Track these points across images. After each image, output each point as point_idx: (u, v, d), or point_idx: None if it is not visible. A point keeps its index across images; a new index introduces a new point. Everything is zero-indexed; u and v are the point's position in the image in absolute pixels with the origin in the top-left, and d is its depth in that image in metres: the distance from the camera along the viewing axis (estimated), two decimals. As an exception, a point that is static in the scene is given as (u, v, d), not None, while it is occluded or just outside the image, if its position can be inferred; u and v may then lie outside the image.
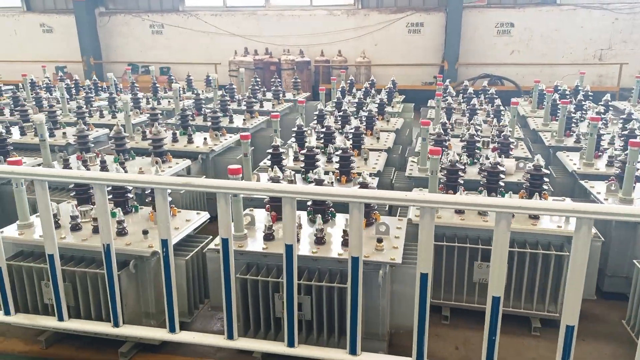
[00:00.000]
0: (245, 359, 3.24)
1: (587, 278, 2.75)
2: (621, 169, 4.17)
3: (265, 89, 8.76)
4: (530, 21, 12.84)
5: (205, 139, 5.52)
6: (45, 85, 8.92)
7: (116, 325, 3.05)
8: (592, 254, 2.88)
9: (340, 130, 5.97)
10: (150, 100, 8.14)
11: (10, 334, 3.54)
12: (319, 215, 3.28)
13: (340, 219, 3.52)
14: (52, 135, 5.61)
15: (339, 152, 4.31)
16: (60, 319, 3.09)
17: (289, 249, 2.70)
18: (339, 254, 3.01)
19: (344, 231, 3.10)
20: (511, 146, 5.00)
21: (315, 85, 13.45)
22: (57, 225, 3.26)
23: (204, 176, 5.04)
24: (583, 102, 7.08)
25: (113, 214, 3.20)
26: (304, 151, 4.42)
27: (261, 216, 3.54)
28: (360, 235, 2.61)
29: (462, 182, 3.90)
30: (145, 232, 3.22)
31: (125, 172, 4.24)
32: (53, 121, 5.99)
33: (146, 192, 3.76)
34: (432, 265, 2.66)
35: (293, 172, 4.16)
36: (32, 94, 8.18)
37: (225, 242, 2.76)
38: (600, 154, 5.00)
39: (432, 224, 2.52)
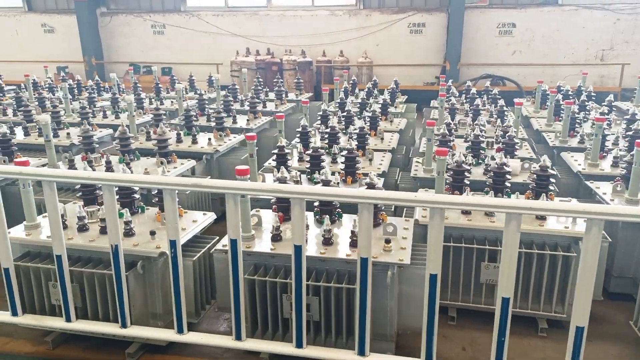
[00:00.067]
0: (252, 360, 3.25)
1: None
2: (627, 169, 4.17)
3: (267, 89, 8.76)
4: (532, 21, 12.84)
5: (209, 139, 5.51)
6: (47, 85, 8.90)
7: (124, 326, 3.04)
8: (600, 254, 2.87)
9: (344, 131, 5.97)
10: (153, 100, 8.15)
11: (17, 334, 3.54)
12: (327, 216, 3.27)
13: (347, 219, 3.52)
14: (56, 135, 5.61)
15: (345, 152, 4.30)
16: (68, 319, 3.09)
17: (298, 249, 2.70)
18: (347, 254, 3.01)
19: (352, 232, 3.10)
20: (516, 147, 5.00)
21: (317, 86, 13.45)
22: (64, 226, 3.26)
23: (209, 176, 5.04)
24: (586, 103, 7.09)
25: (120, 215, 3.19)
26: (309, 152, 4.41)
27: (268, 217, 3.54)
28: (369, 236, 2.61)
29: (468, 182, 3.89)
30: (152, 233, 3.22)
31: (131, 172, 4.24)
32: (57, 121, 5.98)
33: (153, 192, 3.75)
34: (441, 266, 2.66)
35: (298, 173, 4.17)
36: (34, 94, 8.19)
37: (234, 242, 2.76)
38: (604, 154, 5.00)
39: (441, 225, 2.52)
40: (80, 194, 3.66)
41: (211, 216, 3.68)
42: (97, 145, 5.05)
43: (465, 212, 3.61)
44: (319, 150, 4.35)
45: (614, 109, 7.10)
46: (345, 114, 6.29)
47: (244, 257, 3.06)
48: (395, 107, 7.66)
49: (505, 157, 4.25)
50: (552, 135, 5.89)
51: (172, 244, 2.85)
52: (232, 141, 5.70)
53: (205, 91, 8.69)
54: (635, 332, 3.40)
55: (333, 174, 3.95)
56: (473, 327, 3.62)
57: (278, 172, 3.98)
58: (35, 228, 3.35)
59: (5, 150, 4.84)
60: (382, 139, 5.78)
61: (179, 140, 5.51)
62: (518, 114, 5.89)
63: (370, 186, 3.38)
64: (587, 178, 4.53)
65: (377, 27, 13.48)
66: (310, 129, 5.32)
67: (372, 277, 2.70)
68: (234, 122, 6.62)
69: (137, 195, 3.66)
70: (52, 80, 9.20)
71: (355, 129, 5.34)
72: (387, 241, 3.03)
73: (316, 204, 3.50)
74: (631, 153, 4.21)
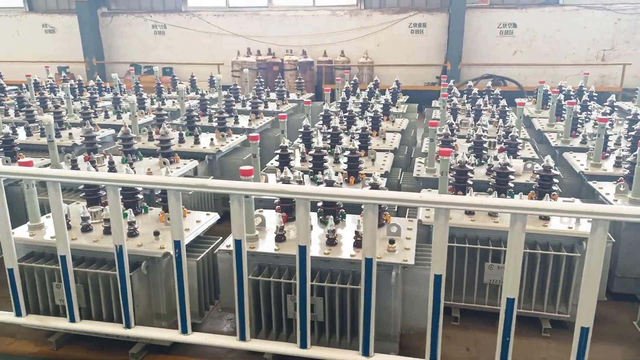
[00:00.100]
0: (255, 360, 3.25)
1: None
2: (630, 169, 4.17)
3: (269, 90, 8.76)
4: (533, 22, 12.84)
5: (211, 139, 5.51)
6: (49, 85, 8.90)
7: (128, 326, 3.05)
8: (604, 255, 2.88)
9: (346, 131, 5.97)
10: (154, 100, 8.15)
11: (20, 335, 3.54)
12: (331, 217, 3.27)
13: (350, 220, 3.52)
14: (58, 135, 5.60)
15: (348, 153, 4.30)
16: (72, 320, 3.09)
17: (303, 250, 2.71)
18: (351, 255, 3.01)
19: (356, 232, 3.10)
20: (518, 147, 5.01)
21: (318, 86, 13.46)
22: (68, 227, 3.25)
23: (212, 177, 5.04)
24: (588, 103, 7.09)
25: (124, 215, 3.19)
26: (311, 152, 4.41)
27: (271, 217, 3.54)
28: (374, 237, 2.61)
29: (471, 183, 3.89)
30: (156, 234, 3.22)
31: (134, 173, 4.24)
32: (59, 122, 5.98)
33: (156, 193, 3.75)
34: (445, 266, 2.65)
35: (301, 173, 4.17)
36: (36, 95, 8.19)
37: (238, 243, 2.76)
38: (607, 154, 5.00)
39: (446, 225, 2.52)
40: (84, 194, 3.66)
41: (214, 216, 3.69)
42: (100, 146, 5.05)
43: (469, 213, 3.61)
44: (322, 150, 4.35)
45: (616, 109, 7.10)
46: (347, 114, 6.28)
47: (248, 257, 3.05)
48: (397, 107, 7.66)
49: (508, 158, 4.26)
50: (554, 136, 5.89)
51: (177, 244, 2.85)
52: (235, 141, 5.70)
53: (206, 91, 8.69)
54: (639, 332, 3.40)
55: (336, 174, 3.95)
56: (476, 328, 3.63)
57: (281, 172, 3.98)
58: (39, 228, 3.35)
59: (8, 150, 4.85)
60: (384, 139, 5.78)
61: (181, 141, 5.50)
62: (520, 114, 5.89)
63: (374, 186, 3.38)
64: (590, 178, 4.53)
65: (378, 27, 13.48)
66: (312, 129, 5.32)
67: (376, 277, 2.70)
68: (236, 122, 6.62)
69: (140, 196, 3.67)
70: (53, 81, 9.19)
71: (357, 129, 5.33)
72: (391, 241, 3.03)
73: (320, 204, 3.50)
74: (634, 153, 4.21)
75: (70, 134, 5.74)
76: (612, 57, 12.69)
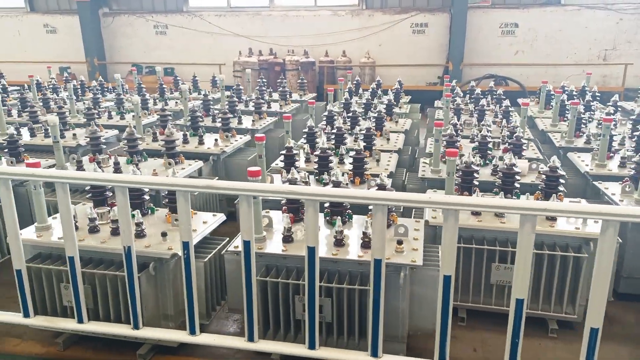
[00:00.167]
0: (263, 361, 3.25)
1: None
2: (635, 170, 4.18)
3: (271, 90, 8.75)
4: (535, 22, 12.85)
5: (216, 140, 5.51)
6: (51, 86, 8.90)
7: (136, 327, 3.05)
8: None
9: (350, 131, 5.97)
10: (157, 101, 8.15)
11: (27, 336, 3.54)
12: (339, 217, 3.27)
13: (357, 220, 3.52)
14: (62, 136, 5.60)
15: (353, 153, 4.30)
16: (80, 321, 3.09)
17: (311, 251, 2.71)
18: (359, 255, 3.01)
19: (364, 233, 3.09)
20: (523, 147, 5.01)
21: (319, 86, 13.46)
22: (75, 228, 3.25)
23: (217, 178, 5.03)
24: (591, 103, 7.09)
25: (132, 216, 3.19)
26: (317, 152, 4.41)
27: (278, 218, 3.54)
28: (383, 238, 2.62)
29: (477, 183, 3.89)
30: (164, 234, 3.22)
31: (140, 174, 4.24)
32: (62, 122, 5.97)
33: (163, 194, 3.75)
34: (454, 267, 2.65)
35: (306, 174, 4.17)
36: (38, 95, 8.18)
37: (247, 244, 2.76)
38: (611, 154, 5.00)
39: (455, 227, 2.52)
40: (90, 195, 3.65)
41: (221, 217, 3.68)
42: (105, 147, 5.05)
43: (476, 213, 3.61)
44: (327, 151, 4.35)
45: (619, 109, 7.10)
46: (351, 114, 6.28)
47: (256, 258, 3.06)
48: (400, 107, 7.66)
49: (513, 158, 4.26)
50: (558, 136, 5.89)
51: (185, 245, 2.85)
52: (239, 142, 5.70)
53: (208, 92, 8.70)
54: (646, 332, 3.41)
55: (342, 175, 3.95)
56: (483, 328, 3.63)
57: (288, 173, 3.98)
58: (46, 229, 3.35)
59: (13, 151, 4.84)
60: (388, 139, 5.78)
61: (185, 141, 5.50)
62: (524, 114, 5.90)
63: (381, 187, 3.38)
64: (595, 179, 4.53)
65: (380, 27, 13.49)
66: (316, 129, 5.32)
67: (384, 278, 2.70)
68: (240, 122, 6.62)
69: (147, 197, 3.66)
70: (55, 81, 9.19)
71: (361, 130, 5.33)
72: (399, 242, 3.03)
73: (327, 205, 3.50)
74: (639, 154, 4.21)
75: (74, 134, 5.74)
76: (613, 57, 12.70)
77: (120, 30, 15.05)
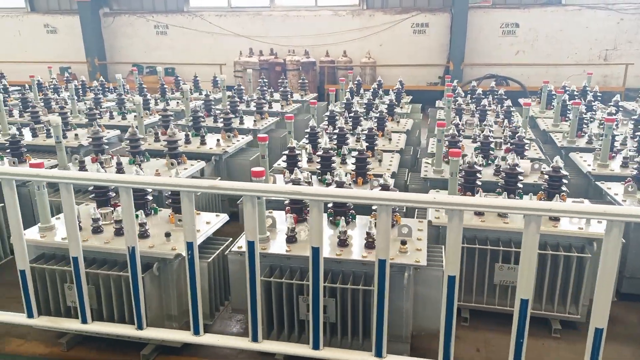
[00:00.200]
0: (266, 361, 3.26)
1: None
2: (638, 170, 4.18)
3: (272, 90, 8.76)
4: (535, 22, 12.86)
5: (218, 140, 5.51)
6: (52, 86, 8.89)
7: (140, 327, 3.05)
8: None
9: (352, 132, 5.97)
10: (158, 101, 8.15)
11: (30, 336, 3.54)
12: (343, 218, 3.27)
13: (360, 221, 3.52)
14: (64, 137, 5.58)
15: (356, 153, 4.31)
16: (84, 321, 3.09)
17: (316, 251, 2.71)
18: (362, 256, 3.01)
19: (368, 233, 3.10)
20: (525, 147, 5.01)
21: (320, 86, 13.46)
22: (79, 228, 3.26)
23: (219, 178, 5.03)
24: (593, 103, 7.10)
25: (135, 217, 3.19)
26: (319, 153, 4.41)
27: (281, 218, 3.54)
28: (387, 238, 2.62)
29: (480, 183, 3.89)
30: (167, 235, 3.21)
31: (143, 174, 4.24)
32: (64, 122, 5.96)
33: (166, 194, 3.75)
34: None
35: (309, 174, 4.17)
36: (40, 95, 8.18)
37: (251, 244, 2.76)
38: (613, 155, 5.00)
39: (460, 227, 2.52)
40: (93, 195, 3.65)
41: (224, 217, 3.69)
42: (107, 147, 5.05)
43: (479, 213, 3.61)
44: (330, 151, 4.35)
45: (620, 109, 7.10)
46: (352, 114, 6.28)
47: (260, 258, 3.06)
48: (401, 107, 7.66)
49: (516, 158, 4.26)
50: (560, 136, 5.89)
51: (189, 245, 2.85)
52: (241, 142, 5.70)
53: (209, 92, 8.70)
54: (649, 332, 3.41)
55: (345, 175, 3.95)
56: (486, 328, 3.63)
57: (290, 173, 3.99)
58: (50, 230, 3.35)
59: (15, 151, 4.84)
60: (389, 139, 5.78)
61: (187, 142, 5.50)
62: (526, 114, 5.89)
63: (385, 187, 3.38)
64: (597, 179, 4.54)
65: (381, 27, 13.49)
66: (318, 129, 5.32)
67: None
68: (241, 122, 6.62)
69: (150, 197, 3.67)
70: (56, 81, 9.19)
71: (363, 130, 5.34)
72: (403, 242, 3.03)
73: (330, 205, 3.50)
74: (642, 154, 4.21)
75: (76, 134, 5.74)
76: (614, 57, 12.70)
77: (120, 30, 15.05)
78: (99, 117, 6.57)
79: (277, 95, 8.49)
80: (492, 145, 5.05)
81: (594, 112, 6.87)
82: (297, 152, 4.51)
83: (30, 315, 3.15)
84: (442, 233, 3.59)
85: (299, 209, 3.49)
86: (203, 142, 5.49)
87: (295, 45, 13.71)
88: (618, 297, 3.80)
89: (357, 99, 8.04)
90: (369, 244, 3.08)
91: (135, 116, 6.64)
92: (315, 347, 2.88)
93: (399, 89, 8.10)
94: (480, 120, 6.42)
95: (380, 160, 4.90)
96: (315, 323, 2.83)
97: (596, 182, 4.42)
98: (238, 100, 7.35)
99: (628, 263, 3.84)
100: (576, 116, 5.60)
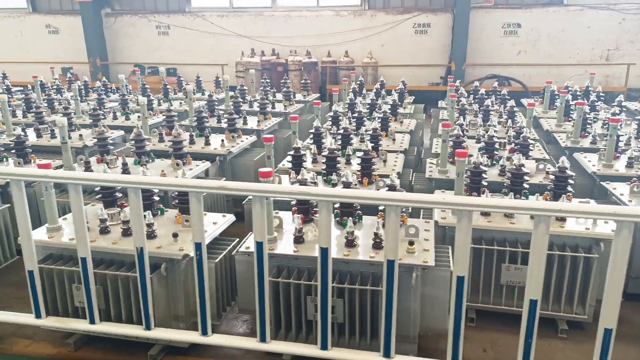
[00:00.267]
0: (274, 361, 3.26)
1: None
2: (643, 170, 4.18)
3: (275, 90, 8.76)
4: (537, 22, 12.86)
5: (222, 140, 5.52)
6: (55, 86, 8.90)
7: (148, 328, 3.05)
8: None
9: (355, 132, 5.97)
10: (161, 102, 8.15)
11: (37, 337, 3.55)
12: (350, 218, 3.28)
13: (367, 221, 3.52)
14: (68, 137, 5.59)
15: (361, 154, 4.31)
16: (92, 321, 3.09)
17: (324, 252, 2.71)
18: (370, 256, 3.02)
19: (375, 234, 3.10)
20: (530, 147, 5.01)
21: (322, 86, 13.47)
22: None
23: (224, 178, 5.03)
24: (596, 103, 7.10)
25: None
26: (324, 153, 4.42)
27: (287, 218, 3.54)
28: (396, 238, 2.62)
29: (485, 184, 3.89)
30: (175, 235, 3.22)
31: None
32: (68, 123, 5.96)
33: (172, 194, 3.76)
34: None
35: (314, 174, 4.17)
36: (43, 96, 8.18)
37: (259, 245, 2.76)
38: (618, 155, 5.00)
39: (469, 227, 2.52)
40: (100, 196, 3.66)
41: (230, 218, 3.69)
42: (112, 147, 5.05)
43: (485, 214, 3.62)
44: (335, 151, 4.36)
45: (624, 109, 7.11)
46: (356, 115, 6.28)
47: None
48: (404, 107, 7.66)
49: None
50: (564, 136, 5.89)
51: (198, 246, 2.85)
52: (245, 142, 5.70)
53: (212, 92, 8.70)
54: (656, 333, 3.41)
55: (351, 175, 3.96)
56: (493, 329, 3.63)
57: (296, 174, 3.99)
58: (57, 230, 3.35)
59: (20, 152, 4.84)
60: (393, 140, 5.78)
61: (191, 142, 5.50)
62: (530, 114, 5.90)
63: (392, 188, 3.39)
64: (602, 179, 4.54)
65: (382, 28, 13.50)
66: (322, 129, 5.32)
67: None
68: (245, 123, 6.62)
69: (156, 198, 3.67)
70: (59, 82, 9.19)
71: (367, 130, 5.34)
72: (411, 243, 3.03)
73: (336, 205, 3.50)
74: (647, 154, 4.22)
75: (80, 135, 5.75)
76: (616, 57, 12.70)
77: (122, 31, 15.05)
78: (102, 117, 6.58)
79: (279, 96, 8.49)
80: (497, 146, 5.06)
81: (597, 112, 6.88)
82: (303, 152, 4.52)
83: (38, 316, 3.16)
84: (449, 233, 3.60)
85: (305, 210, 3.49)
86: (207, 143, 5.50)
87: (297, 45, 13.72)
88: (624, 297, 3.76)
89: (360, 99, 8.05)
90: (377, 245, 3.09)
91: (139, 117, 6.64)
92: (324, 347, 2.88)
93: (402, 89, 8.10)
94: (483, 121, 6.43)
95: (384, 161, 4.91)
96: (324, 323, 2.84)
97: (601, 183, 4.42)
98: (241, 100, 7.35)
99: (634, 263, 3.83)
100: (580, 116, 5.60)
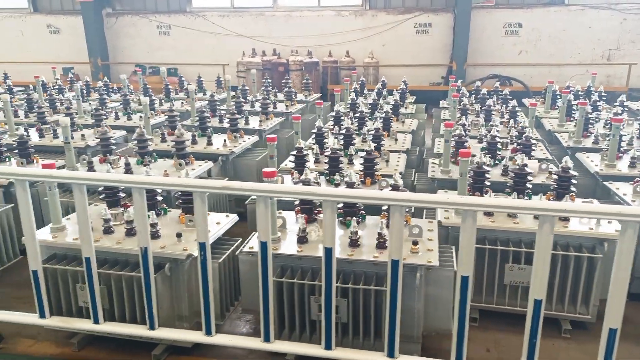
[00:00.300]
0: (277, 361, 3.26)
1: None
2: (647, 170, 4.18)
3: (276, 90, 8.77)
4: (538, 21, 12.86)
5: (224, 140, 5.52)
6: (57, 86, 8.90)
7: (152, 328, 3.05)
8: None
9: (357, 132, 5.97)
10: (163, 102, 8.15)
11: (41, 337, 3.55)
12: (354, 218, 3.28)
13: (370, 221, 3.52)
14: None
15: (364, 154, 4.31)
16: (96, 321, 3.10)
17: (329, 252, 2.71)
18: (374, 256, 3.02)
19: (379, 234, 3.10)
20: (532, 147, 5.01)
21: (323, 86, 13.46)
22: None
23: (227, 178, 5.04)
24: (598, 103, 7.10)
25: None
26: (327, 153, 4.42)
27: (290, 218, 3.54)
28: (401, 238, 2.62)
29: (488, 184, 3.89)
30: (179, 235, 3.22)
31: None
32: (70, 123, 5.96)
33: (176, 194, 3.76)
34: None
35: (317, 174, 4.17)
36: (44, 96, 8.19)
37: (264, 245, 2.77)
38: (620, 155, 5.00)
39: (474, 227, 2.53)
40: (104, 196, 3.66)
41: (234, 218, 3.69)
42: (115, 147, 5.06)
43: (488, 214, 3.62)
44: (338, 151, 4.36)
45: (626, 109, 7.11)
46: (358, 115, 6.28)
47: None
48: (406, 107, 7.66)
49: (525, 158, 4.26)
50: (566, 136, 5.90)
51: (202, 246, 2.85)
52: (247, 142, 5.70)
53: (213, 92, 8.70)
54: (659, 333, 3.41)
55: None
56: (496, 329, 3.63)
57: (300, 174, 3.99)
58: (61, 230, 3.35)
59: (23, 152, 4.85)
60: (395, 139, 5.78)
61: (194, 142, 5.51)
62: (532, 114, 5.90)
63: (395, 188, 3.38)
64: (605, 179, 4.54)
65: (383, 28, 13.49)
66: (324, 129, 5.32)
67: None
68: (246, 123, 6.62)
69: (159, 198, 3.67)
70: (61, 82, 9.20)
71: (369, 130, 5.34)
72: (415, 243, 3.03)
73: (340, 205, 3.51)
74: (650, 154, 4.22)
75: (82, 135, 5.75)
76: (617, 56, 12.70)
77: (123, 31, 15.05)
78: (105, 117, 6.58)
79: (280, 96, 8.49)
80: (499, 146, 5.06)
81: (599, 113, 6.88)
82: (306, 152, 4.52)
83: (42, 316, 3.16)
84: (452, 233, 3.60)
85: (308, 210, 3.49)
86: (210, 143, 5.50)
87: (298, 45, 13.72)
88: (628, 297, 3.78)
89: (361, 99, 8.05)
90: (380, 245, 3.09)
91: (141, 117, 6.65)
92: (328, 347, 2.88)
93: (404, 89, 8.10)
94: (485, 121, 6.43)
95: (387, 161, 4.91)
96: (328, 323, 2.84)
97: (604, 183, 4.42)
98: (243, 100, 7.35)
99: (637, 263, 3.82)
100: (582, 116, 5.60)
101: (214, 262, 3.23)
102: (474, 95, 8.01)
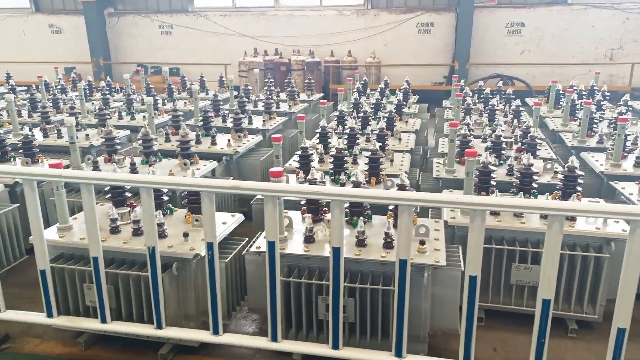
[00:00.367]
0: (284, 360, 3.26)
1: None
2: (652, 170, 4.18)
3: (279, 90, 8.76)
4: (541, 21, 12.85)
5: (228, 140, 5.52)
6: (60, 86, 8.90)
7: (159, 327, 3.06)
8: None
9: (361, 132, 5.97)
10: (165, 101, 8.16)
11: (47, 336, 3.55)
12: (361, 218, 3.28)
13: (376, 220, 3.52)
14: (75, 137, 5.60)
15: (369, 153, 4.31)
16: (104, 321, 3.10)
17: (337, 251, 2.71)
18: (381, 256, 3.02)
19: (386, 233, 3.10)
20: (537, 147, 5.01)
21: (325, 86, 13.46)
22: (97, 228, 3.26)
23: (231, 178, 5.04)
24: (602, 102, 7.10)
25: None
26: (332, 153, 4.42)
27: (297, 218, 3.54)
28: (409, 238, 2.62)
29: (494, 183, 3.89)
30: (185, 235, 3.22)
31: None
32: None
33: (182, 194, 3.76)
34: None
35: (322, 174, 4.17)
36: (48, 96, 8.19)
37: (271, 245, 2.77)
38: (625, 154, 5.00)
39: (482, 227, 2.53)
40: (110, 195, 3.66)
41: (240, 218, 3.70)
42: (119, 147, 5.06)
43: (494, 213, 3.61)
44: (342, 151, 4.36)
45: (630, 108, 7.10)
46: (362, 114, 6.28)
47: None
48: (409, 107, 7.66)
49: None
50: (570, 136, 5.89)
51: (210, 246, 2.86)
52: (251, 142, 5.70)
53: (216, 91, 8.70)
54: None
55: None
56: (502, 328, 3.63)
57: (305, 174, 3.99)
58: (68, 230, 3.36)
59: (27, 152, 4.85)
60: (399, 139, 5.78)
61: (198, 142, 5.50)
62: (537, 114, 5.90)
63: (401, 187, 3.38)
64: (610, 178, 4.54)
65: (386, 27, 13.49)
66: (328, 129, 5.32)
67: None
68: (250, 122, 6.62)
69: (165, 197, 3.67)
70: (64, 82, 9.20)
71: (373, 130, 5.34)
72: (422, 242, 3.03)
73: (346, 205, 3.50)
74: (656, 153, 4.21)
75: (86, 135, 5.75)
76: (620, 56, 12.69)
77: (125, 31, 15.06)
78: (108, 117, 6.58)
79: (283, 95, 8.49)
80: (504, 145, 5.05)
81: (603, 112, 6.87)
82: (311, 152, 4.52)
83: (49, 315, 3.16)
84: (458, 233, 3.60)
85: (315, 209, 3.49)
86: (214, 142, 5.50)
87: (300, 45, 13.72)
88: (635, 298, 3.79)
89: (364, 98, 8.04)
90: (388, 244, 3.09)
91: (144, 116, 6.66)
92: (335, 346, 2.88)
93: (406, 89, 8.10)
94: (489, 120, 6.42)
95: (391, 160, 4.91)
96: (335, 323, 2.84)
97: (609, 182, 4.42)
98: (246, 100, 7.35)
99: (643, 263, 3.83)
100: (587, 116, 5.60)
101: (221, 262, 3.23)
102: (477, 95, 8.00)
